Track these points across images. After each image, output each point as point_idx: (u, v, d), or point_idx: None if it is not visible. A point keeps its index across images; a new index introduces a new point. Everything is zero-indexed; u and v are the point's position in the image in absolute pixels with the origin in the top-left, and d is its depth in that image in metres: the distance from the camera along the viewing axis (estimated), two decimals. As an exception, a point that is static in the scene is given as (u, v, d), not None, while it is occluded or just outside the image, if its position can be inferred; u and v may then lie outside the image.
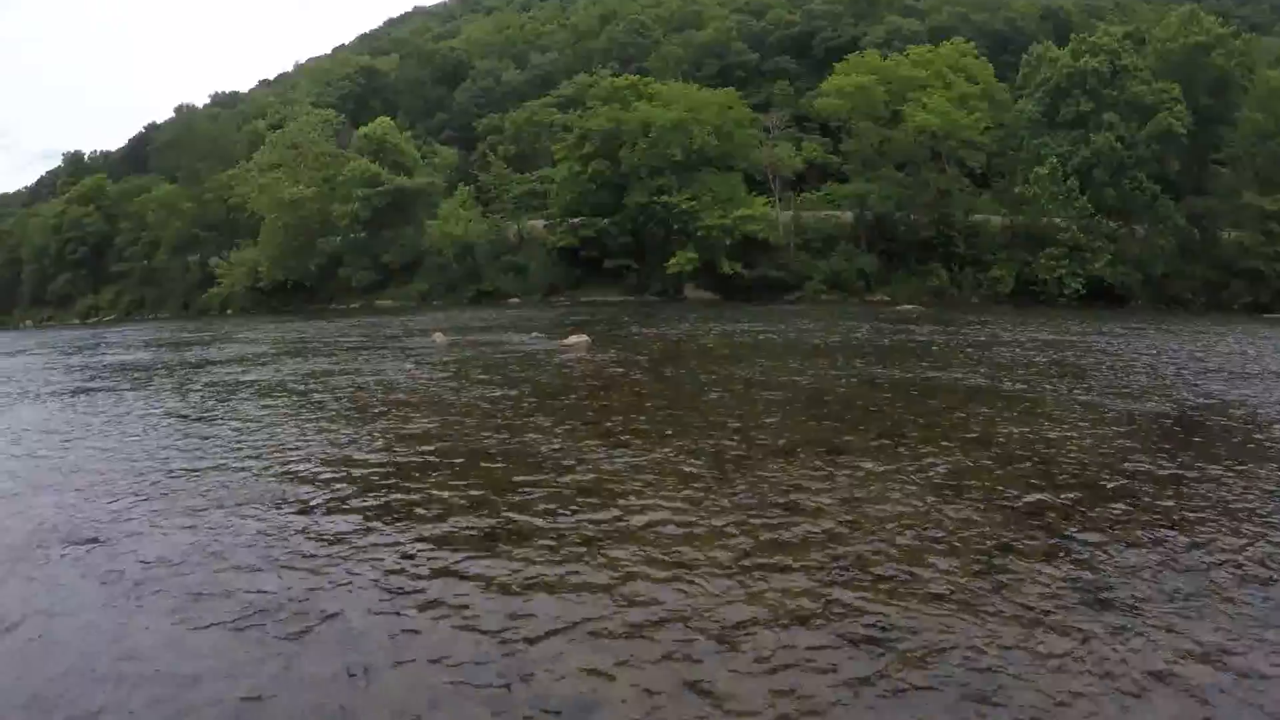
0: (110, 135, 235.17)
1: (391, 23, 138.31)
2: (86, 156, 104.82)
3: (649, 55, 73.71)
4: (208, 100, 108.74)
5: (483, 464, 8.62)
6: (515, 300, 50.26)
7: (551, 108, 65.68)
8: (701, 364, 17.15)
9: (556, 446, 9.31)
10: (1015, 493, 7.60)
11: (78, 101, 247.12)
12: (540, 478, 8.06)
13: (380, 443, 9.82)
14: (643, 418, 10.92)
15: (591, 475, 8.14)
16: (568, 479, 8.02)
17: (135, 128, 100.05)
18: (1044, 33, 65.80)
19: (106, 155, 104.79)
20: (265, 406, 13.16)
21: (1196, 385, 14.36)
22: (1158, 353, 20.28)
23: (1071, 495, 7.54)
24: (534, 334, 24.40)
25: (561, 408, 11.89)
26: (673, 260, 46.28)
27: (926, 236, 49.07)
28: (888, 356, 18.26)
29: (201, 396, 14.35)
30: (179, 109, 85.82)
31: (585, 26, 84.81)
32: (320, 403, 13.05)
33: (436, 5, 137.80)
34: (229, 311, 61.63)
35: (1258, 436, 10.39)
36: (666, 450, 9.03)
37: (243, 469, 8.79)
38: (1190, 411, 11.91)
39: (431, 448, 9.36)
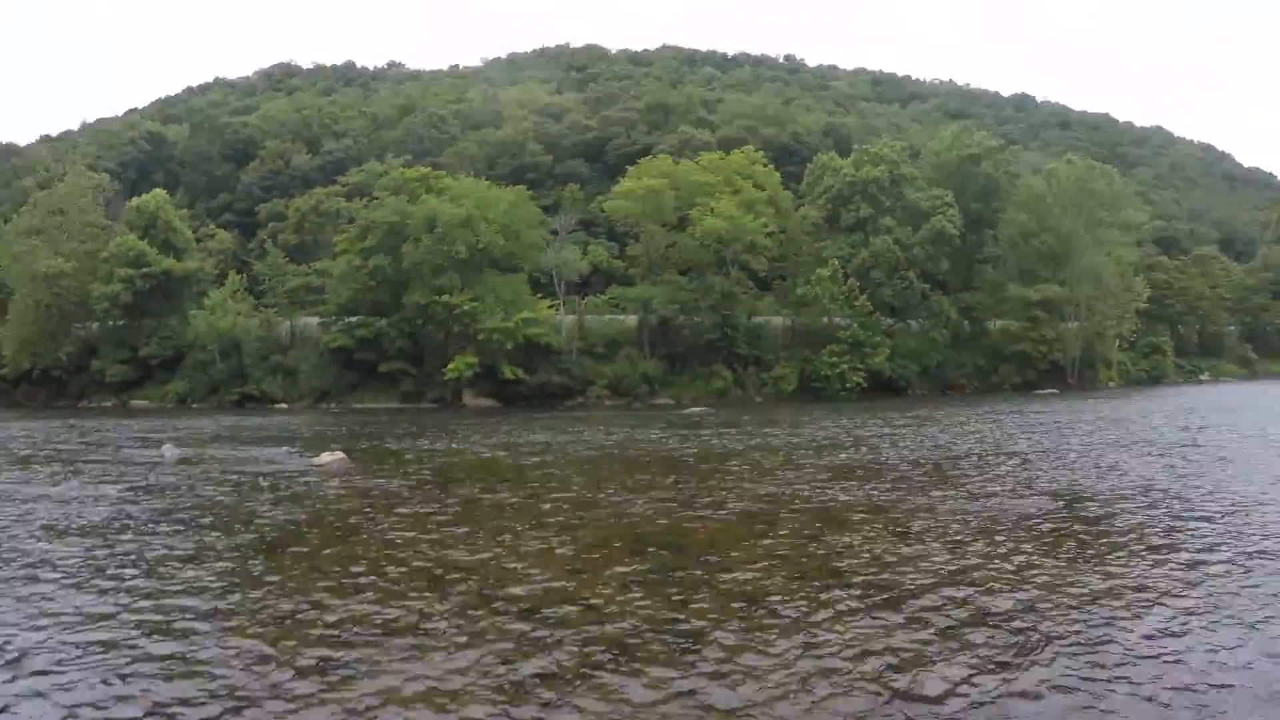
0: None
1: (191, 91, 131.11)
2: None
3: (445, 149, 73.22)
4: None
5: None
6: (283, 406, 46.73)
7: (339, 196, 63.14)
8: (479, 490, 14.79)
9: (231, 659, 6.18)
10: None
11: None
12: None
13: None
14: (391, 585, 8.02)
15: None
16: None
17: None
18: (826, 146, 70.57)
19: None
20: None
21: (1009, 473, 14.77)
22: (976, 440, 21.54)
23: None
24: (286, 448, 21.84)
25: (275, 577, 8.64)
26: (451, 365, 44.28)
27: (710, 339, 50.00)
28: (694, 469, 16.91)
29: None
30: (-58, 156, 76.32)
31: (384, 116, 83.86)
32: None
33: (239, 79, 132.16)
34: (-38, 402, 54.01)
35: (1110, 527, 10.47)
36: (416, 659, 6.10)
37: None
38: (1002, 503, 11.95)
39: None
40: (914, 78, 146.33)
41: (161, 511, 12.50)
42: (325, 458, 18.66)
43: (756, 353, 51.03)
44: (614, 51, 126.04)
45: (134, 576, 8.70)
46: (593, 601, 7.43)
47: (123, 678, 5.94)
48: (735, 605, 7.26)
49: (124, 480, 15.96)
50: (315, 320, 51.65)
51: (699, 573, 8.34)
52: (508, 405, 44.40)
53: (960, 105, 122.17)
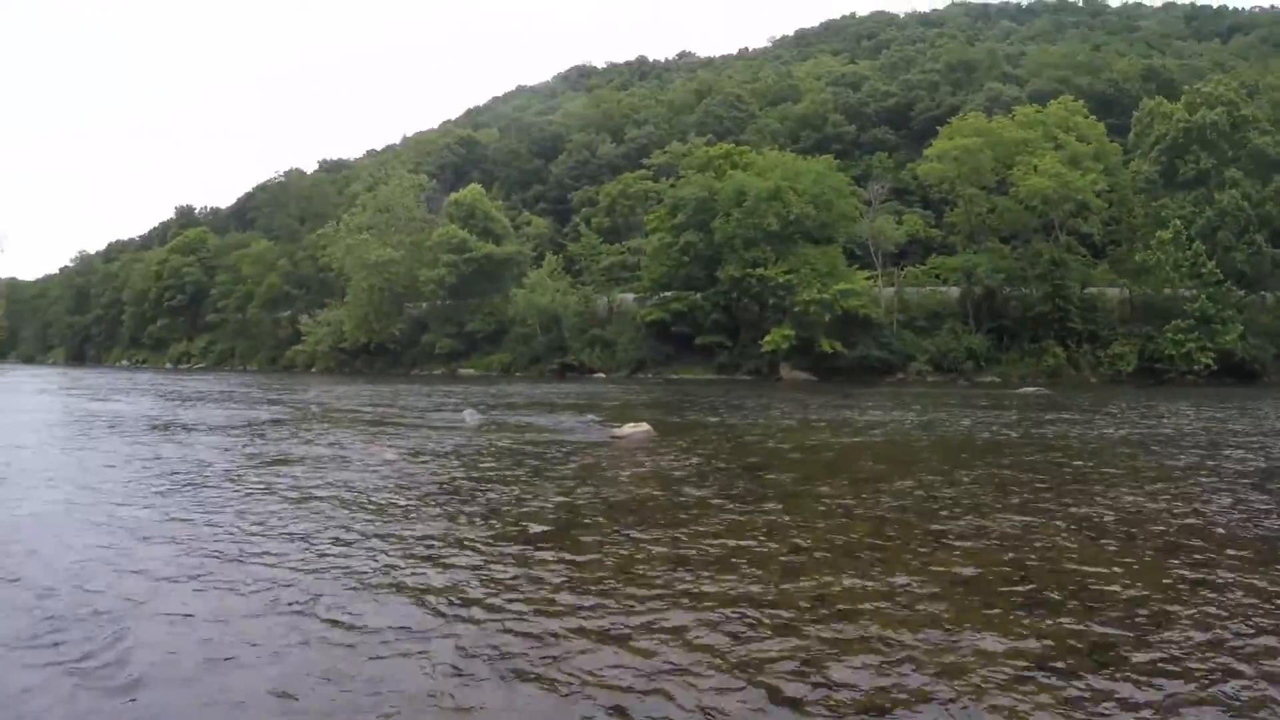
0: (227, 194, 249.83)
1: (496, 100, 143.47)
2: (197, 210, 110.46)
3: (745, 128, 73.30)
4: (316, 166, 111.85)
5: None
6: (600, 375, 48.84)
7: (645, 179, 65.47)
8: (798, 480, 11.94)
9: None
10: None
11: (210, 163, 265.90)
12: None
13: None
14: (671, 627, 5.44)
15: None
16: None
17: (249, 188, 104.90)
18: (1147, 93, 62.02)
19: (216, 211, 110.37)
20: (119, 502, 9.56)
21: None
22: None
23: None
24: (590, 417, 20.84)
25: (534, 574, 6.68)
26: (768, 338, 43.75)
27: (1040, 311, 45.35)
28: (1061, 466, 13.08)
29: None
30: (288, 172, 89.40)
31: (681, 101, 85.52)
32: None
33: (540, 84, 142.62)
34: (314, 369, 62.34)
35: None
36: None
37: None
38: None
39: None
40: (1232, 7, 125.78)
41: (438, 483, 11.26)
42: (627, 429, 16.87)
43: (1091, 328, 45.64)
44: (902, 16, 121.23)
45: (376, 554, 7.49)
46: (978, 704, 4.32)
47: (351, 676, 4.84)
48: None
49: (416, 444, 15.19)
50: (631, 296, 53.59)
51: (1136, 662, 4.77)
52: (825, 379, 43.22)
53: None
